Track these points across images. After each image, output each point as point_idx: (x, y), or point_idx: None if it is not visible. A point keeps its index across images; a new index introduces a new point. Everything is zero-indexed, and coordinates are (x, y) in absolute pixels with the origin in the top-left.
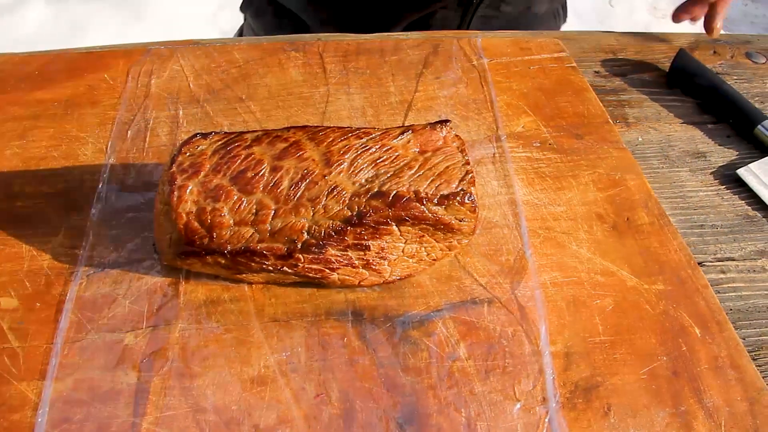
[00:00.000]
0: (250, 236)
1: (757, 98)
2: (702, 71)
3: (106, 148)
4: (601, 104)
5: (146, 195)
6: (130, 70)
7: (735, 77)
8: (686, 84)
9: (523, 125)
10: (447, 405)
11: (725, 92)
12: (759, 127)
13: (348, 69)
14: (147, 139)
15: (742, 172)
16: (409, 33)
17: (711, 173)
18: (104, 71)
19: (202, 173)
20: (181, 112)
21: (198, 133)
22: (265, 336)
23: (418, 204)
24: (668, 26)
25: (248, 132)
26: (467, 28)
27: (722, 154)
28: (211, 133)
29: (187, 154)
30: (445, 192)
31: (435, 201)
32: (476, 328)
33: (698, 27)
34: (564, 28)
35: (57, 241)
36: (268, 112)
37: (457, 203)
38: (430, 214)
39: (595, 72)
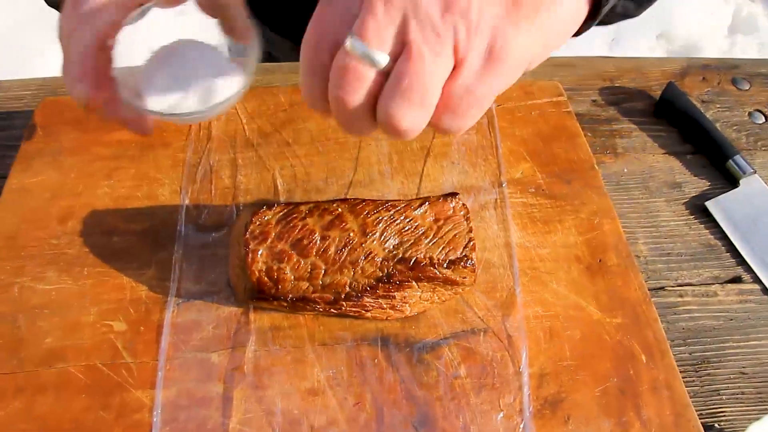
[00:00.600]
0: (306, 288)
1: (735, 127)
2: (685, 104)
3: (180, 189)
4: (589, 150)
5: (217, 234)
6: None
7: (719, 105)
8: (671, 115)
9: (522, 171)
10: (450, 413)
11: (704, 126)
12: (730, 161)
13: None
14: (213, 181)
15: (710, 204)
16: None
17: (684, 203)
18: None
19: (269, 240)
20: (239, 157)
21: (265, 205)
22: (315, 357)
23: (431, 268)
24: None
25: (303, 203)
26: None
27: (696, 185)
28: (274, 204)
29: (257, 223)
30: (452, 258)
31: (444, 265)
32: (474, 352)
33: (688, 49)
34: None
35: (150, 274)
36: (311, 158)
37: (461, 267)
38: (440, 275)
39: (593, 101)
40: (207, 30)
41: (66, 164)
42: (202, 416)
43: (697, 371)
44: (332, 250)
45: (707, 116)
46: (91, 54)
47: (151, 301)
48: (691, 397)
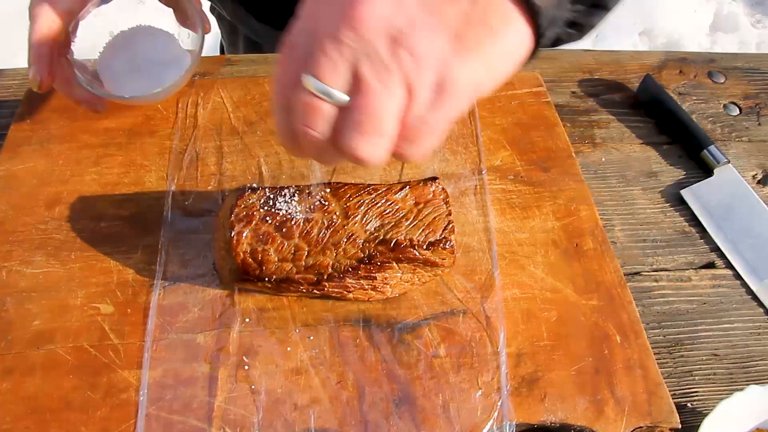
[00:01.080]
0: (290, 269)
1: (710, 119)
2: (662, 96)
3: (167, 176)
4: (567, 139)
5: (203, 219)
6: (179, 101)
7: (695, 97)
8: (649, 106)
9: (501, 159)
10: (429, 391)
11: (680, 117)
12: (705, 151)
13: None
14: (199, 168)
15: (685, 192)
16: None
17: (659, 191)
18: (158, 102)
19: (254, 222)
20: (225, 145)
21: (249, 188)
22: (299, 337)
23: (412, 249)
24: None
25: (285, 187)
26: None
27: (671, 174)
28: (259, 188)
29: (242, 206)
30: (432, 239)
31: (424, 247)
32: (453, 333)
33: (669, 46)
34: None
35: (136, 258)
36: None
37: (440, 248)
38: (420, 256)
39: (572, 92)
40: (163, 18)
41: (54, 151)
42: (188, 395)
43: (671, 353)
44: (315, 231)
45: (683, 108)
46: (44, 39)
47: (137, 284)
48: (665, 378)
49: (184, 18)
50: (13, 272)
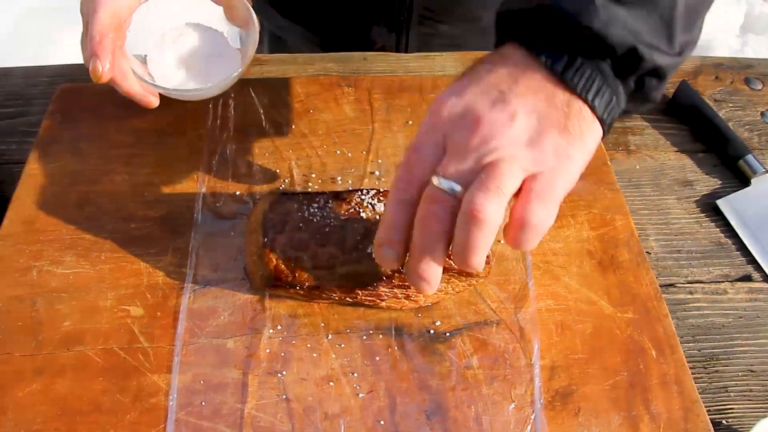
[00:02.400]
0: (323, 276)
1: (747, 126)
2: (698, 103)
3: (197, 177)
4: (602, 146)
5: (233, 222)
6: (210, 101)
7: (731, 104)
8: (684, 113)
9: None
10: (462, 402)
11: (716, 124)
12: (742, 160)
13: (392, 106)
14: (230, 169)
15: (721, 202)
16: (446, 69)
17: (695, 201)
18: (187, 102)
19: (287, 228)
20: (256, 147)
21: (283, 194)
22: (330, 345)
23: (447, 259)
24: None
25: (320, 193)
26: (405, 48)
27: (707, 183)
28: (293, 194)
29: (276, 211)
30: None
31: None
32: (486, 343)
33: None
34: None
35: (167, 260)
36: (327, 149)
37: None
38: (455, 266)
39: None
40: (214, 15)
41: (84, 150)
42: (217, 401)
43: (705, 368)
44: (350, 239)
45: (720, 115)
46: (107, 32)
47: (167, 287)
48: (699, 393)
49: (233, 15)
50: (43, 272)
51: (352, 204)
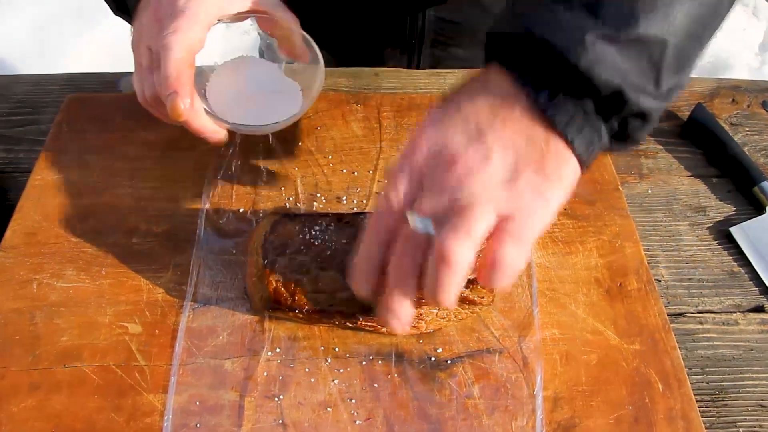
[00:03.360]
0: (323, 301)
1: (763, 152)
2: (713, 126)
3: (202, 193)
4: (614, 171)
5: (236, 240)
6: None
7: (747, 128)
8: (698, 137)
9: None
10: None
11: (731, 149)
12: (757, 186)
13: (400, 125)
14: (234, 186)
15: (734, 230)
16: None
17: (707, 228)
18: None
19: (288, 251)
20: (261, 164)
21: (285, 215)
22: (329, 369)
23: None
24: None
25: (324, 215)
26: (417, 68)
27: (721, 209)
28: (295, 216)
29: (277, 233)
30: (471, 277)
31: (463, 285)
32: (488, 372)
33: (716, 66)
34: None
35: (167, 277)
36: (333, 167)
37: (479, 287)
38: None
39: None
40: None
41: (90, 162)
42: (213, 423)
43: (714, 401)
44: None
45: (735, 139)
46: (184, 68)
47: (167, 304)
48: (706, 428)
49: (290, 49)
50: (43, 285)
51: (355, 227)
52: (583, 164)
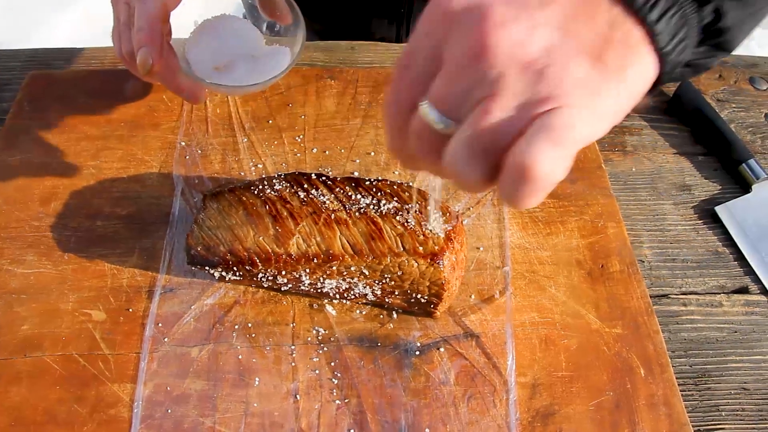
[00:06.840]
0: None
1: (750, 129)
2: (699, 103)
3: (171, 174)
4: (597, 148)
5: None
6: None
7: (734, 104)
8: (684, 113)
9: None
10: (437, 420)
11: (718, 126)
12: (743, 165)
13: (377, 101)
14: (202, 165)
15: (719, 209)
16: None
17: (692, 207)
18: (162, 92)
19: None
20: (230, 141)
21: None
22: (299, 356)
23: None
24: None
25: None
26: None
27: (706, 188)
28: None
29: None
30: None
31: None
32: (464, 358)
33: None
34: None
35: (132, 262)
36: (305, 145)
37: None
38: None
39: None
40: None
41: (52, 142)
42: (179, 414)
43: (696, 384)
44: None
45: (722, 116)
46: (156, 22)
47: (132, 290)
48: (688, 412)
49: (271, 10)
50: (3, 271)
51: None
52: (665, 64)
